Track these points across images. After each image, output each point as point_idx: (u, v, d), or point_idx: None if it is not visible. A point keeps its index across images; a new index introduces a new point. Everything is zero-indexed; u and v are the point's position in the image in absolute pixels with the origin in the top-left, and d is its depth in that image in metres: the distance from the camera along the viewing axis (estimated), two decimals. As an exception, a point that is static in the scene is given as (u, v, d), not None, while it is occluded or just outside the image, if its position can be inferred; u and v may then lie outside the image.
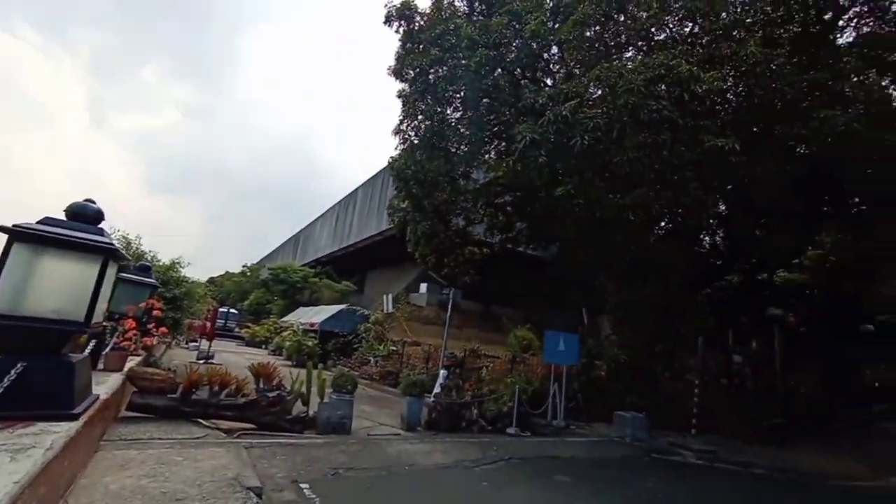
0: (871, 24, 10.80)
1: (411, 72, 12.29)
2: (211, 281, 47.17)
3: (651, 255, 9.95)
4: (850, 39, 11.05)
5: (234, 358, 18.51)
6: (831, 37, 10.93)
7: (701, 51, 9.65)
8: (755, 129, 9.88)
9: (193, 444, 5.43)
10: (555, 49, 11.76)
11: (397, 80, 13.14)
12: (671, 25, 11.36)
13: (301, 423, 7.41)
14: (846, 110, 8.33)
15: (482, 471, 6.60)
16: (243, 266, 49.50)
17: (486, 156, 15.72)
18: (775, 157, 9.23)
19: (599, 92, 9.03)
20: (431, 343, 17.48)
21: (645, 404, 12.38)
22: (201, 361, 14.04)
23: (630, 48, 11.03)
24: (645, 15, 10.21)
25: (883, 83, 9.76)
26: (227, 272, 56.16)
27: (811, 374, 25.87)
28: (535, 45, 10.54)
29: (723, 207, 14.72)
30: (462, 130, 12.98)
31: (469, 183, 15.72)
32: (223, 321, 29.90)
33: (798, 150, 9.73)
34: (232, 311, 36.66)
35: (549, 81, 12.70)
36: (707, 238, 17.85)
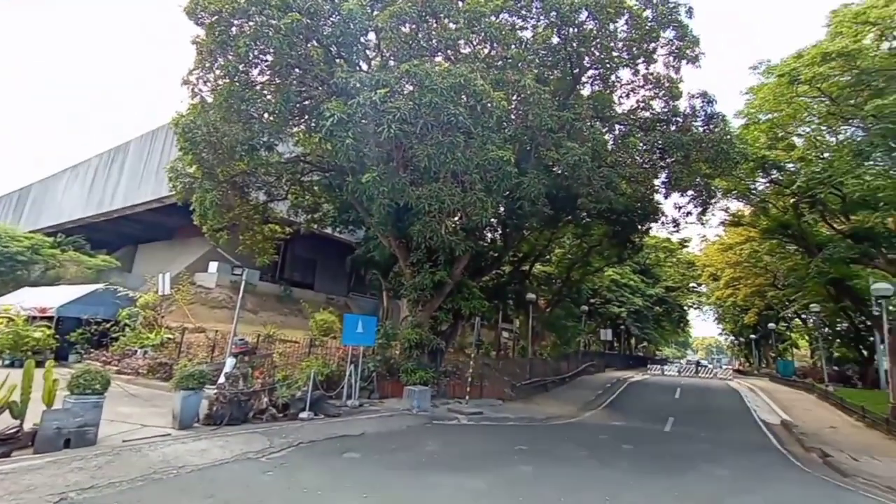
0: (599, 84, 14.60)
1: (207, 16, 10.49)
2: None
3: (442, 245, 11.18)
4: (588, 92, 14.71)
5: None
6: (578, 87, 14.29)
7: (495, 73, 11.27)
8: (528, 148, 12.17)
9: None
10: (372, 35, 11.84)
11: (192, 22, 11.01)
12: (475, 42, 12.86)
13: (5, 442, 5.65)
14: (582, 144, 11.09)
15: (268, 461, 6.35)
16: None
17: (295, 128, 14.75)
18: (538, 173, 11.59)
19: (409, 87, 9.57)
20: (220, 329, 15.60)
21: (431, 378, 13.94)
22: None
23: (439, 53, 11.99)
24: (454, 27, 11.27)
25: (602, 129, 13.39)
26: None
27: (550, 342, 33.68)
28: (352, 26, 10.41)
29: (501, 209, 17.58)
30: (268, 97, 11.84)
31: (273, 155, 14.50)
32: None
33: (554, 169, 12.41)
34: None
35: (364, 66, 12.72)
36: (489, 234, 21.03)
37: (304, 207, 19.18)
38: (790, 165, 17.61)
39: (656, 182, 16.11)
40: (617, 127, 14.91)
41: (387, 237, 15.10)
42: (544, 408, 15.88)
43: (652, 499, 6.27)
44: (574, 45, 12.18)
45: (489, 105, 9.26)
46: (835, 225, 19.00)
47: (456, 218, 13.44)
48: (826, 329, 30.87)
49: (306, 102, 12.26)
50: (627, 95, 15.48)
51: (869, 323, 23.51)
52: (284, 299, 22.90)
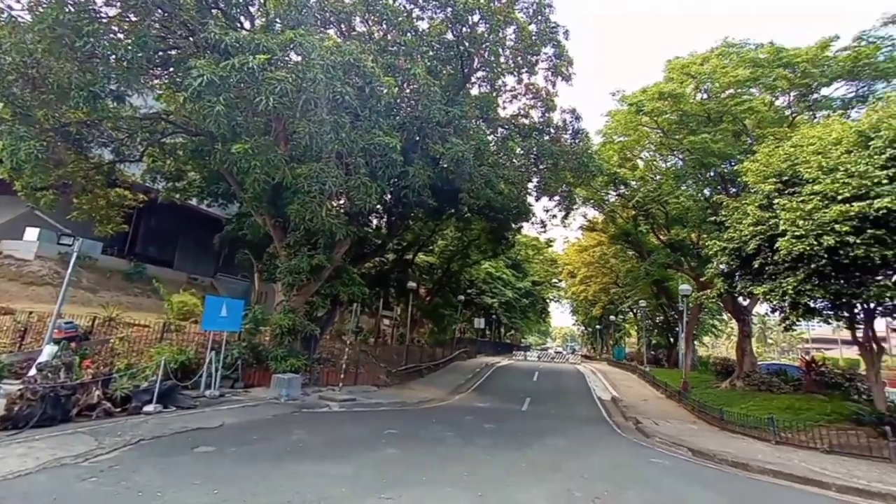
0: (486, 86, 15.51)
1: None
2: None
3: (322, 228, 10.77)
4: (476, 93, 15.51)
5: None
6: (468, 86, 14.96)
7: (387, 57, 11.16)
8: (415, 139, 12.35)
9: None
10: (258, -10, 10.75)
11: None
12: (370, 22, 12.54)
13: None
14: (466, 141, 11.67)
15: (91, 465, 5.45)
16: None
17: (156, 80, 12.65)
18: (424, 164, 11.87)
19: (295, 58, 8.93)
20: (39, 310, 12.77)
21: (303, 365, 13.39)
22: None
23: (331, 26, 11.43)
24: (350, 0, 10.83)
25: (486, 129, 14.30)
26: None
27: (428, 329, 34.89)
28: (233, -26, 9.30)
29: (388, 197, 17.54)
30: (121, 37, 9.91)
31: (124, 108, 12.26)
32: None
33: (440, 162, 12.82)
34: None
35: (246, 24, 11.48)
36: (374, 220, 20.84)
37: (165, 174, 16.66)
38: (633, 183, 20.96)
39: (529, 185, 17.71)
40: (499, 130, 15.99)
41: (262, 215, 13.97)
42: (418, 392, 16.46)
43: (505, 469, 6.97)
44: (466, 44, 12.68)
45: (379, 89, 9.15)
46: (660, 236, 23.21)
47: (341, 201, 13.06)
48: (648, 321, 37.62)
49: (171, 53, 10.61)
50: (511, 101, 16.71)
51: (676, 316, 29.18)
52: (135, 277, 19.66)
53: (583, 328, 67.75)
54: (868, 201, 8.43)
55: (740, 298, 17.99)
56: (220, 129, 7.79)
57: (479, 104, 13.68)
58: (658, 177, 20.10)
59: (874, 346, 11.02)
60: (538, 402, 16.44)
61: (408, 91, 13.18)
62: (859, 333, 11.01)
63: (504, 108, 16.75)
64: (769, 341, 52.63)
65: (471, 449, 8.23)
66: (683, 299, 18.55)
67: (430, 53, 12.59)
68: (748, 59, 15.94)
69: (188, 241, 24.87)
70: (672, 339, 34.18)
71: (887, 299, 9.32)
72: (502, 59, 14.26)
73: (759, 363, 22.66)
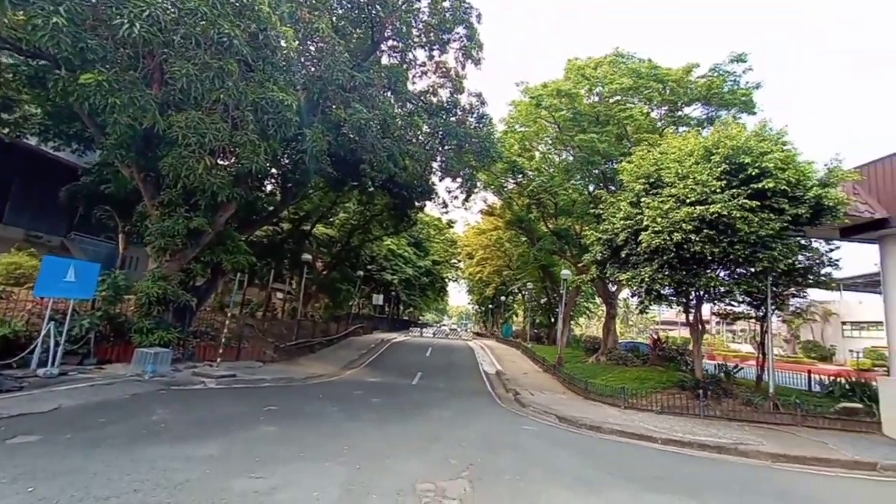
0: (397, 58, 15.11)
1: None
2: None
3: (202, 187, 9.57)
4: (386, 62, 15.01)
5: None
6: (377, 54, 14.38)
7: (288, 5, 10.13)
8: (316, 101, 11.54)
9: None
10: None
11: None
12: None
13: None
14: (371, 110, 11.27)
15: None
16: None
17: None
18: (324, 129, 11.19)
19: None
20: None
21: (175, 339, 12.04)
22: None
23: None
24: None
25: (393, 102, 13.98)
26: None
27: (323, 304, 33.79)
28: None
29: (286, 161, 16.26)
30: None
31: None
32: None
33: (342, 129, 12.19)
34: None
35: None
36: (269, 185, 19.25)
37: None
38: (530, 173, 22.32)
39: (434, 165, 17.84)
40: (408, 104, 15.72)
41: (129, 167, 11.98)
42: (307, 368, 15.91)
43: (388, 442, 7.07)
44: (378, 7, 12.09)
45: (276, 39, 8.29)
46: (549, 224, 25.22)
47: (231, 161, 11.73)
48: (534, 302, 41.06)
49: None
50: (420, 77, 16.48)
51: (557, 298, 32.22)
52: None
53: (477, 307, 71.40)
54: (706, 206, 10.07)
55: (610, 284, 20.46)
56: (63, 50, 6.28)
57: (388, 75, 13.23)
58: (552, 169, 21.68)
59: (700, 326, 13.41)
60: (428, 377, 16.99)
61: (312, 49, 12.24)
62: (692, 316, 13.28)
63: (414, 83, 16.48)
64: (630, 323, 61.09)
65: (355, 423, 8.20)
66: (564, 283, 20.50)
67: (339, 11, 11.77)
68: (633, 71, 17.81)
69: (26, 191, 20.40)
70: (553, 319, 37.76)
71: (712, 288, 11.32)
72: (414, 32, 13.92)
73: (620, 341, 26.19)
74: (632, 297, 14.51)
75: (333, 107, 11.67)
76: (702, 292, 12.05)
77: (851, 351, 36.12)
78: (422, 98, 16.07)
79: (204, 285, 14.61)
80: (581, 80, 18.46)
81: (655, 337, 23.75)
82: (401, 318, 60.94)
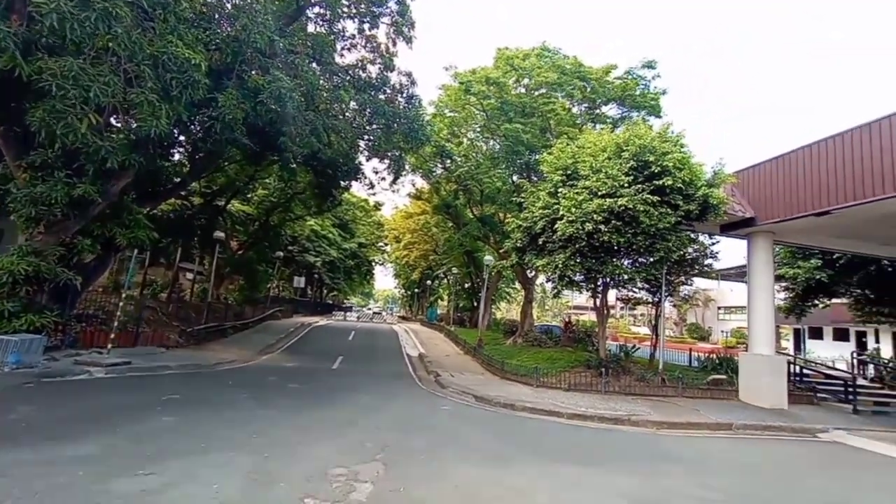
0: (324, 27, 14.24)
1: None
2: None
3: (87, 149, 8.25)
4: (313, 30, 14.09)
5: None
6: (303, 20, 13.42)
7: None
8: (231, 64, 10.47)
9: None
10: None
11: None
12: None
13: None
14: (293, 80, 10.54)
15: None
16: None
17: None
18: (240, 95, 10.22)
19: None
20: None
21: (51, 323, 10.50)
22: None
23: None
24: None
25: (319, 73, 13.18)
26: None
27: (238, 286, 31.63)
28: None
29: (197, 129, 14.70)
30: None
31: None
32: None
33: (261, 97, 11.23)
34: None
35: None
36: (177, 154, 17.30)
37: None
38: (458, 158, 22.53)
39: (361, 143, 17.25)
40: (335, 77, 14.94)
41: (-15, 120, 10.02)
42: (218, 354, 14.85)
43: (301, 428, 6.83)
44: (303, -31, 11.23)
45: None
46: (474, 211, 25.78)
47: (128, 122, 10.28)
48: (459, 286, 42.03)
49: None
50: (349, 50, 15.71)
51: (480, 283, 33.31)
52: None
53: (403, 291, 71.44)
54: (615, 199, 10.92)
55: (528, 270, 21.52)
56: None
57: (314, 44, 12.39)
58: (479, 156, 22.07)
59: (605, 310, 14.65)
60: (350, 361, 16.72)
61: (229, 6, 11.09)
62: (598, 301, 14.45)
63: (342, 55, 15.65)
64: (546, 307, 65.08)
65: (267, 410, 7.82)
66: (487, 268, 21.18)
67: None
68: (558, 66, 18.59)
69: None
70: (476, 303, 38.99)
71: (617, 275, 12.38)
72: (343, 1, 13.17)
73: (536, 324, 27.80)
74: (547, 282, 15.41)
75: (252, 73, 10.70)
76: (608, 279, 13.11)
77: (723, 331, 41.94)
78: (350, 72, 15.34)
79: (93, 263, 12.86)
80: (510, 70, 18.87)
81: (567, 320, 25.59)
82: (324, 301, 59.07)
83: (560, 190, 12.41)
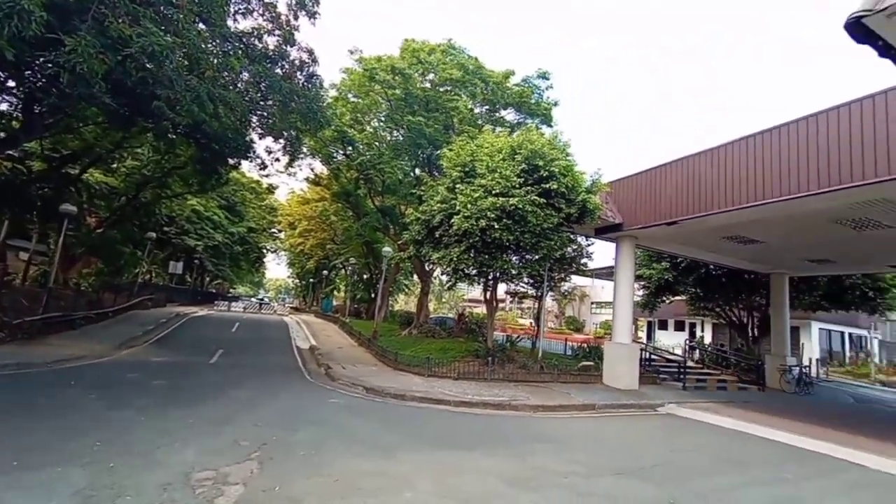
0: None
1: None
2: None
3: None
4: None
5: None
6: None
7: None
8: (91, 5, 8.77)
9: None
10: None
11: None
12: None
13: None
14: (173, 36, 9.24)
15: None
16: None
17: None
18: (99, 45, 8.63)
19: None
20: None
21: None
22: None
23: None
24: None
25: (206, 33, 11.75)
26: None
27: (95, 269, 27.03)
28: None
29: (39, 76, 12.08)
30: None
31: None
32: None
33: (131, 52, 9.60)
34: None
35: None
36: (3, 103, 14.04)
37: None
38: (361, 146, 21.92)
39: (253, 119, 15.86)
40: (226, 44, 13.44)
41: None
42: (61, 349, 12.50)
43: (162, 431, 6.09)
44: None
45: None
46: (375, 201, 25.42)
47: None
48: (356, 277, 41.13)
49: None
50: (244, 16, 14.24)
51: (379, 274, 33.09)
52: None
53: (297, 281, 67.80)
54: (507, 198, 11.62)
55: (426, 263, 21.91)
56: None
57: (201, 0, 10.91)
58: (382, 146, 21.74)
59: (494, 303, 15.57)
60: (231, 354, 15.39)
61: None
62: (489, 294, 15.29)
63: (235, 20, 14.11)
64: (443, 300, 66.97)
65: (120, 413, 6.85)
66: (385, 259, 21.06)
67: None
68: (461, 65, 19.10)
69: None
70: (373, 295, 38.59)
71: (507, 270, 13.23)
72: (237, -42, 11.87)
73: (432, 316, 28.46)
74: (443, 275, 15.86)
75: (119, 21, 9.10)
76: (498, 273, 13.93)
77: (594, 324, 47.50)
78: (244, 40, 13.90)
79: None
80: (416, 62, 18.86)
81: (461, 312, 26.65)
82: (206, 290, 53.41)
83: (458, 186, 12.81)
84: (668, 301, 23.69)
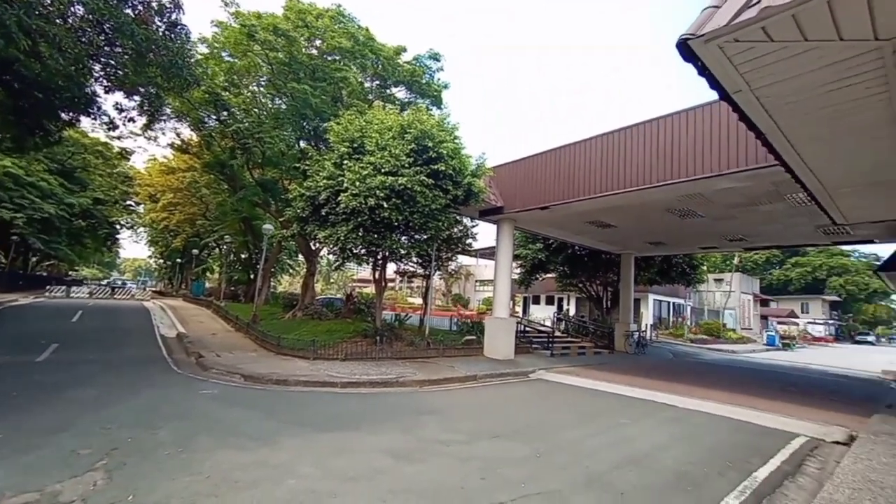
0: None
1: None
2: None
3: None
4: None
5: None
6: None
7: None
8: None
9: None
10: None
11: None
12: None
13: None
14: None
15: None
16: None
17: None
18: None
19: None
20: None
21: None
22: None
23: None
24: None
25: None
26: None
27: None
28: None
29: None
30: None
31: None
32: None
33: None
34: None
35: None
36: None
37: None
38: (237, 112, 19.70)
39: (96, 67, 13.17)
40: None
41: None
42: None
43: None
44: None
45: None
46: (254, 174, 23.25)
47: None
48: (234, 257, 37.54)
49: None
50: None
51: (258, 253, 30.73)
52: None
53: (161, 261, 59.43)
54: (396, 177, 11.61)
55: (312, 242, 20.89)
56: None
57: None
58: (263, 114, 19.80)
59: (383, 282, 15.62)
60: (71, 349, 13.00)
61: None
62: (377, 274, 15.26)
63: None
64: (332, 280, 64.77)
65: None
66: (266, 238, 19.56)
67: None
68: (352, 34, 18.19)
69: None
70: (253, 276, 35.76)
71: (396, 250, 13.30)
72: None
73: (319, 297, 27.41)
74: (330, 254, 15.33)
75: None
76: (387, 253, 13.94)
77: (478, 300, 50.66)
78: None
79: None
80: (301, 25, 17.39)
81: (349, 293, 26.16)
82: (33, 273, 43.79)
83: (346, 162, 12.37)
84: (541, 278, 26.35)
